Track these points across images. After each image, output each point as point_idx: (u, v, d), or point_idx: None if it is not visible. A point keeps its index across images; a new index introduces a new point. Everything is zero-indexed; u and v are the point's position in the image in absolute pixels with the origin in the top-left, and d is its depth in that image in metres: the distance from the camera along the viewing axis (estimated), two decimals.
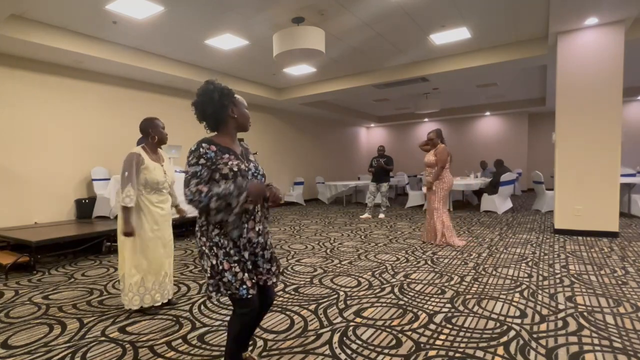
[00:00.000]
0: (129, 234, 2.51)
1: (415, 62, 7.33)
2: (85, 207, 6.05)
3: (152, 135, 2.67)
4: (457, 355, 1.99)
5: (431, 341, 2.16)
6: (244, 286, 1.60)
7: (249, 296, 1.60)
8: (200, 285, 3.37)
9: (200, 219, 1.63)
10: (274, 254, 1.79)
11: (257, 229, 1.67)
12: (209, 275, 1.62)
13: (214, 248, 1.60)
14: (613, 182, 4.97)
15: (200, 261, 1.64)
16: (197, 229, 1.65)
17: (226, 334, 1.71)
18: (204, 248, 1.62)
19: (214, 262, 1.59)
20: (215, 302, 2.90)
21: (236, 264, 1.61)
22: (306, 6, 4.72)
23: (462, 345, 2.10)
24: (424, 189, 4.82)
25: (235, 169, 1.60)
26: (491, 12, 5.06)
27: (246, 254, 1.65)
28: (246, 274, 1.62)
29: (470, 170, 11.27)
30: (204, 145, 1.60)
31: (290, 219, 7.79)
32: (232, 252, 1.61)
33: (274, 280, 1.77)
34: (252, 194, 1.53)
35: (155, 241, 2.65)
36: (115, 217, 5.54)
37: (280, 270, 1.81)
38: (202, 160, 1.57)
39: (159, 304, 2.70)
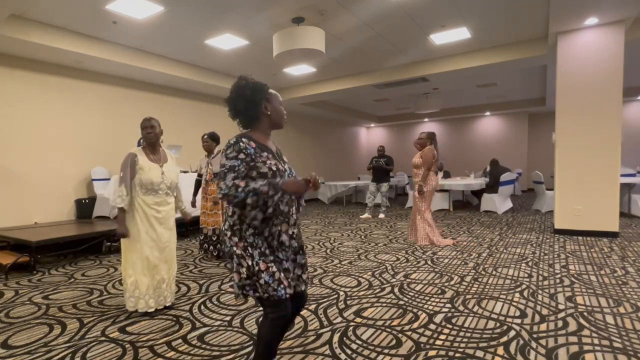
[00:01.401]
0: (120, 235, 2.54)
1: (415, 62, 7.33)
2: (85, 207, 6.05)
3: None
4: (457, 355, 1.99)
5: (431, 341, 2.16)
6: (282, 286, 1.53)
7: (287, 296, 1.54)
8: (201, 285, 3.37)
9: (232, 218, 1.55)
10: (306, 261, 1.72)
11: (290, 232, 1.62)
12: (244, 276, 1.52)
13: (249, 248, 1.53)
14: (613, 182, 4.97)
15: (230, 261, 1.58)
16: (226, 228, 1.58)
17: (257, 338, 1.63)
18: (235, 249, 1.54)
19: (250, 263, 1.52)
20: (216, 302, 2.90)
21: (273, 264, 1.54)
22: (306, 6, 4.72)
23: (462, 345, 2.10)
24: (415, 192, 4.84)
25: (274, 168, 1.55)
26: (491, 12, 5.06)
27: (280, 254, 1.59)
28: (282, 274, 1.55)
29: (471, 170, 11.27)
30: (244, 139, 1.54)
31: None
32: (267, 251, 1.54)
33: (303, 287, 1.69)
34: (289, 191, 1.48)
35: (149, 244, 2.59)
36: (115, 217, 5.55)
37: (308, 278, 1.78)
38: (241, 155, 1.51)
39: (153, 309, 2.63)
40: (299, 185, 1.49)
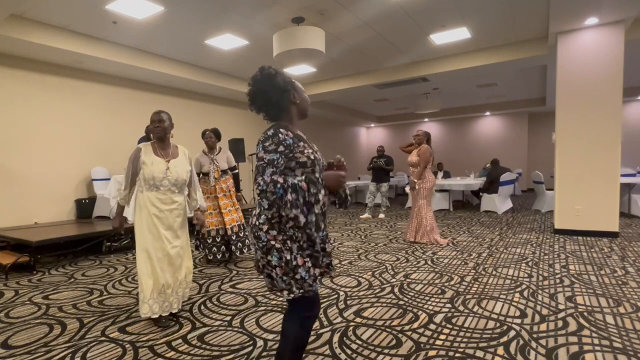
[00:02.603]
0: (114, 227, 2.57)
1: (415, 62, 7.33)
2: (85, 207, 6.05)
3: None
4: (457, 355, 1.99)
5: (431, 341, 2.16)
6: (316, 283, 1.50)
7: (317, 293, 1.53)
8: (201, 285, 3.37)
9: (270, 211, 1.45)
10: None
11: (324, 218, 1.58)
12: (282, 271, 1.45)
13: (288, 242, 1.46)
14: (613, 182, 4.97)
15: (264, 258, 1.49)
16: (261, 222, 1.47)
17: (280, 341, 1.56)
18: (273, 242, 1.45)
19: (289, 257, 1.45)
20: (216, 302, 2.90)
21: (309, 259, 1.49)
22: (306, 6, 4.72)
23: (462, 345, 2.10)
24: (407, 189, 4.94)
25: (312, 157, 1.50)
26: (491, 12, 5.06)
27: (318, 247, 1.53)
28: (317, 270, 1.52)
29: (471, 170, 11.27)
30: (282, 130, 1.46)
31: None
32: (305, 245, 1.49)
33: (332, 274, 1.67)
34: (331, 187, 1.45)
35: (153, 244, 2.45)
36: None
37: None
38: (281, 147, 1.43)
39: (157, 315, 2.45)
40: (339, 180, 1.46)
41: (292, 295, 1.46)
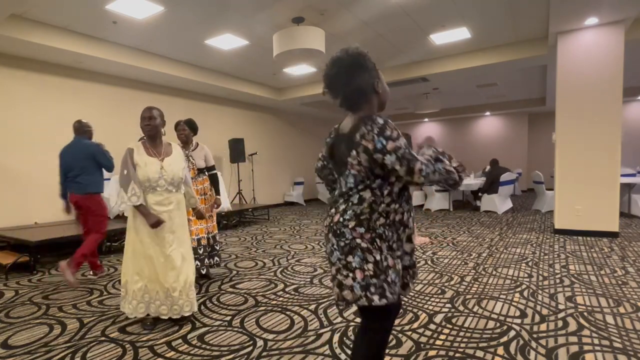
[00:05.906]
0: (156, 224, 2.32)
1: (415, 62, 7.33)
2: None
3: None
4: (457, 355, 1.99)
5: (431, 341, 2.16)
6: (396, 289, 1.34)
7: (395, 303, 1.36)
8: (201, 285, 3.36)
9: (360, 206, 1.31)
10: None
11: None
12: (370, 273, 1.28)
13: (377, 240, 1.30)
14: (613, 182, 4.97)
15: (342, 259, 1.33)
16: (347, 217, 1.32)
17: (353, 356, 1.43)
18: (359, 240, 1.30)
19: (378, 257, 1.29)
20: (216, 302, 2.90)
21: (399, 260, 1.35)
22: (306, 6, 4.72)
23: (462, 345, 2.10)
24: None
25: None
26: (491, 12, 5.06)
27: (408, 247, 1.40)
28: (405, 272, 1.40)
29: (471, 170, 11.26)
30: (387, 119, 1.31)
31: (290, 219, 7.79)
32: (394, 246, 1.34)
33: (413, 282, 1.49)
34: None
35: (153, 248, 2.36)
36: (115, 217, 5.55)
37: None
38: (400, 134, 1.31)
39: (166, 317, 2.41)
40: None
41: (384, 301, 1.28)
